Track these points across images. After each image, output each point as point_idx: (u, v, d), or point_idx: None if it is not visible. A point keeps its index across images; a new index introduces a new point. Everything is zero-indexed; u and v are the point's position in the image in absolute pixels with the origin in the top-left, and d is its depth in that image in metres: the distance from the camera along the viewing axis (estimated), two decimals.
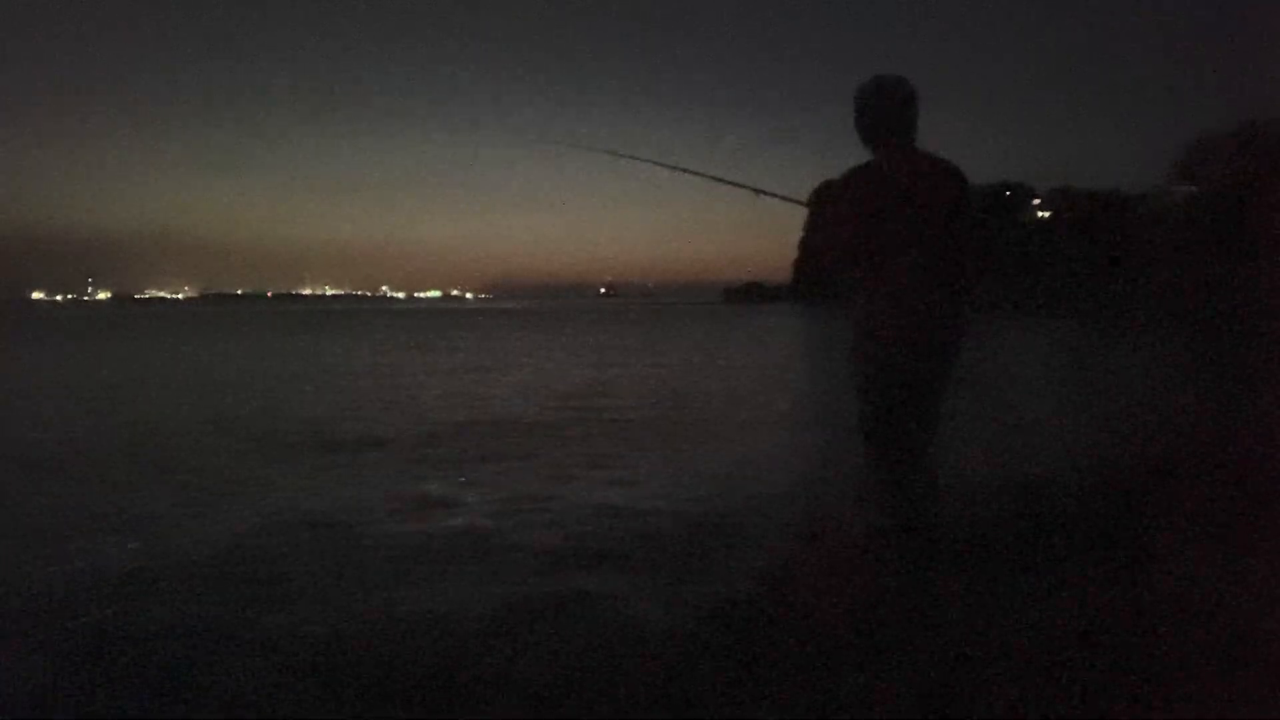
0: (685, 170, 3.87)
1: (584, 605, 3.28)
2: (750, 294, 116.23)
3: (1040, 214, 63.63)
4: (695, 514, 4.70)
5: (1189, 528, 3.46)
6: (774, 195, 3.34)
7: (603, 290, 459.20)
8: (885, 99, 2.78)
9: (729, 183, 3.62)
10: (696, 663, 2.65)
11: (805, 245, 2.94)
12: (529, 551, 4.07)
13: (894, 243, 2.66)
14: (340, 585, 3.61)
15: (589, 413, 9.27)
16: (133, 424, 8.86)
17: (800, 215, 3.00)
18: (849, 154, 2.88)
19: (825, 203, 2.86)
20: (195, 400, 11.22)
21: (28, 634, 3.13)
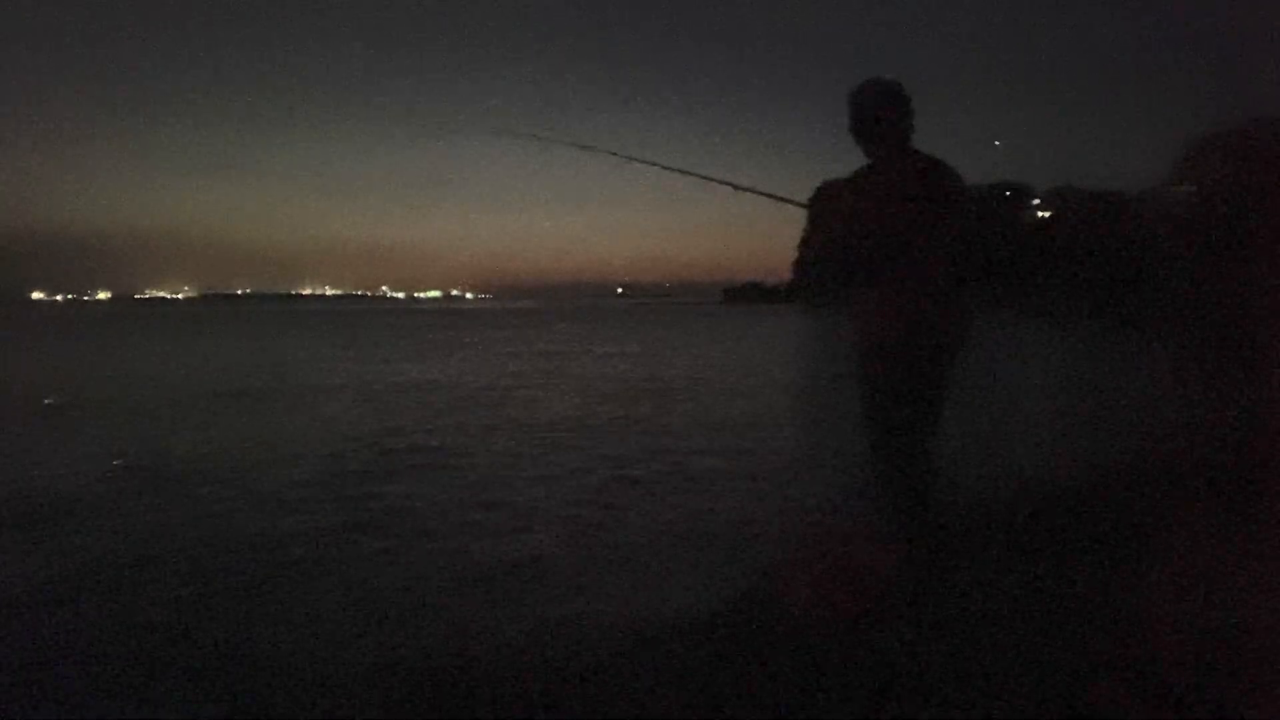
0: (682, 171, 3.83)
1: (583, 601, 3.28)
2: (750, 294, 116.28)
3: (1040, 214, 63.63)
4: (697, 510, 4.70)
5: (1189, 526, 3.45)
6: (758, 193, 3.31)
7: (620, 290, 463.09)
8: (878, 102, 2.78)
9: (718, 181, 3.57)
10: (696, 661, 2.65)
11: (805, 245, 2.94)
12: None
13: (893, 244, 2.66)
14: None
15: None
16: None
17: (795, 215, 2.99)
18: (846, 155, 2.88)
19: (825, 204, 2.86)
20: None
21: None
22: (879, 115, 2.77)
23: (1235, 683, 2.23)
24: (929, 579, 2.77)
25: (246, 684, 2.71)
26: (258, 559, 4.04)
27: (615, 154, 4.06)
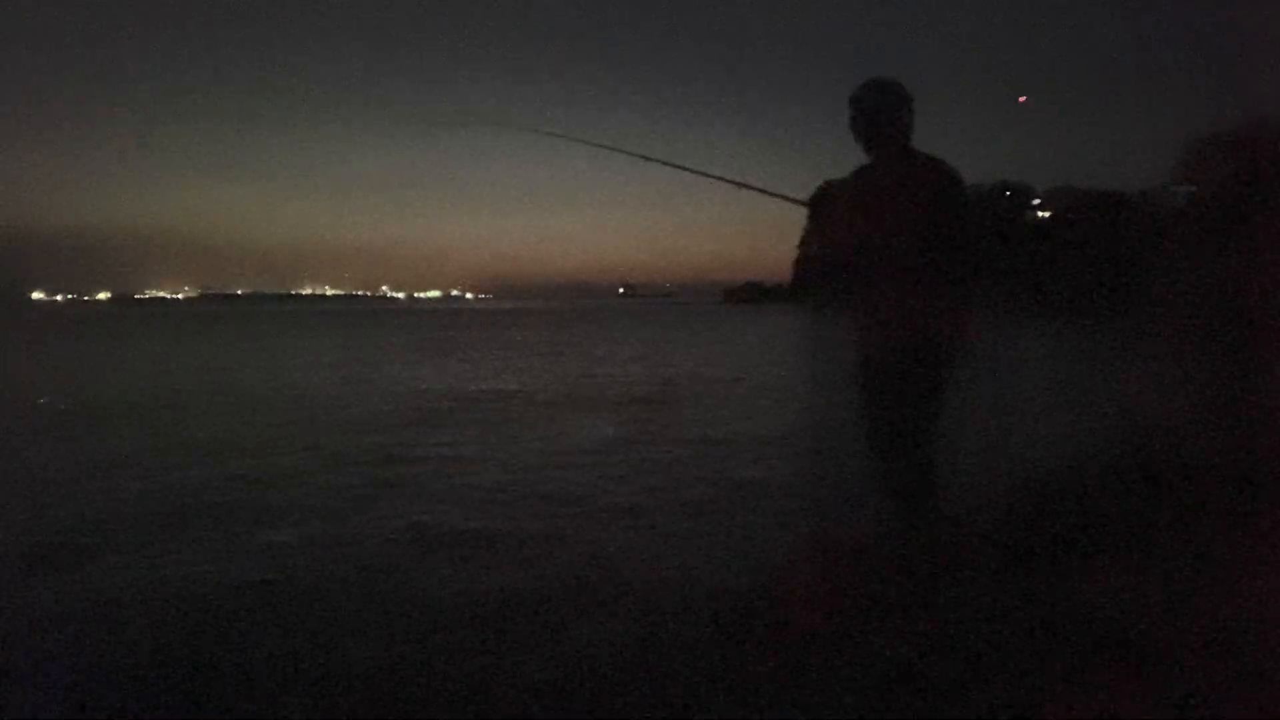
0: (684, 168, 3.81)
1: (580, 603, 3.28)
2: (750, 294, 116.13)
3: (1040, 214, 63.64)
4: (696, 510, 4.70)
5: (1189, 526, 3.45)
6: (760, 190, 3.30)
7: (621, 290, 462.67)
8: (880, 102, 2.79)
9: (720, 178, 3.56)
10: (692, 662, 2.64)
11: (805, 245, 2.95)
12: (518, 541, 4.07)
13: (891, 244, 2.66)
14: None
15: None
16: None
17: (795, 215, 2.99)
18: (846, 155, 2.88)
19: (825, 204, 2.87)
20: None
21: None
22: (880, 115, 2.78)
23: (1239, 682, 2.22)
24: (928, 580, 2.78)
25: (249, 683, 2.71)
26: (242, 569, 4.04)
27: (618, 149, 4.06)
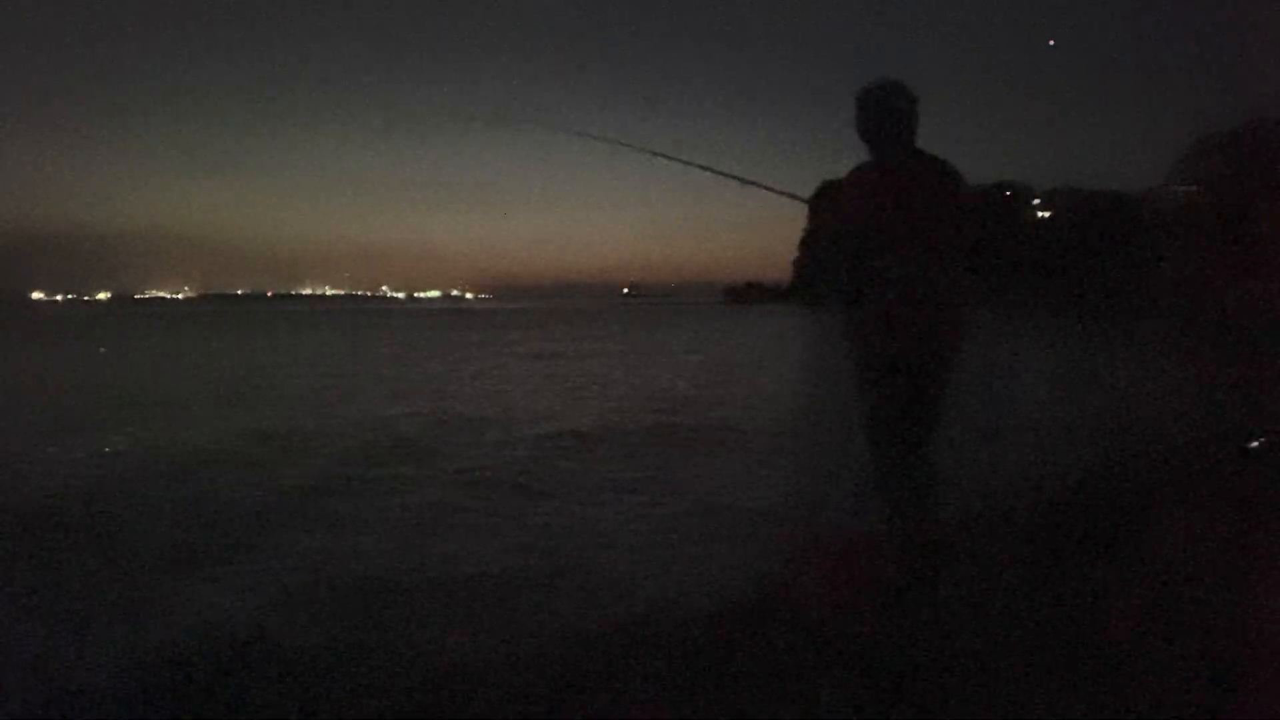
0: (687, 163, 3.78)
1: (578, 601, 3.29)
2: (750, 294, 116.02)
3: (1040, 214, 63.68)
4: (695, 511, 4.71)
5: (1188, 529, 3.46)
6: (762, 186, 3.30)
7: (625, 290, 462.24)
8: (886, 102, 2.80)
9: (724, 174, 3.54)
10: (690, 662, 2.65)
11: (806, 245, 2.96)
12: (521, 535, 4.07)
13: (891, 243, 2.67)
14: None
15: None
16: None
17: (797, 215, 2.99)
18: (847, 154, 2.88)
19: (828, 202, 2.87)
20: None
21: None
22: (886, 115, 2.78)
23: (1235, 682, 2.23)
24: (929, 581, 2.78)
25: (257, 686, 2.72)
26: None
27: (623, 144, 4.03)
